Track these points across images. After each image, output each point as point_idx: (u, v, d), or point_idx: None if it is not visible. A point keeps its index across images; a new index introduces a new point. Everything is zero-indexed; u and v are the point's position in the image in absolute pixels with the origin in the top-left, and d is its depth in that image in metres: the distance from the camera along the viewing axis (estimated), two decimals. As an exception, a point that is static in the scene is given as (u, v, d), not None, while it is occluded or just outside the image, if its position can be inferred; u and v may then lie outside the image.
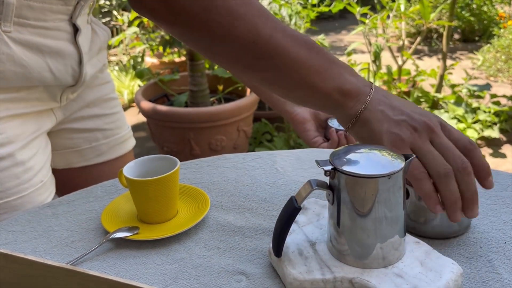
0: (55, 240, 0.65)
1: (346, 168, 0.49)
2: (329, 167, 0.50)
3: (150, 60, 3.56)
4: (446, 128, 0.57)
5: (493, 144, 2.68)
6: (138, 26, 3.18)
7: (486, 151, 2.61)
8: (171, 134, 2.32)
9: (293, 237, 0.57)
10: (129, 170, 0.65)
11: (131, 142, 1.04)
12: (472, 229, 0.61)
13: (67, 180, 0.94)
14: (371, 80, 2.71)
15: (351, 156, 0.51)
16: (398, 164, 0.49)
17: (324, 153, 0.87)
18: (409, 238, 0.55)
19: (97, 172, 0.96)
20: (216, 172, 0.81)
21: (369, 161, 0.50)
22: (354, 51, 4.18)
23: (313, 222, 0.60)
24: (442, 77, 2.92)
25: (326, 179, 0.53)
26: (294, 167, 0.81)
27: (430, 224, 0.59)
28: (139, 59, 3.61)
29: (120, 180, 0.69)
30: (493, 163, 2.48)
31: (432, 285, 0.48)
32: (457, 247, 0.58)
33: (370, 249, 0.51)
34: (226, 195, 0.74)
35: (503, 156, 2.59)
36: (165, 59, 3.52)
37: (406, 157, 0.51)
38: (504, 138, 2.70)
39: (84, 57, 0.83)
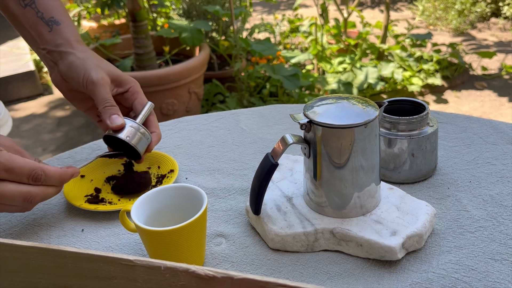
0: (15, 220, 0.60)
1: (322, 120, 0.48)
2: (304, 120, 0.49)
3: (87, 24, 3.35)
4: None
5: (436, 91, 2.79)
6: (70, -13, 2.95)
7: (430, 98, 2.72)
8: (119, 100, 2.21)
9: (269, 194, 0.56)
10: (138, 211, 0.49)
11: None
12: (438, 171, 0.63)
13: None
14: (319, 34, 2.70)
15: (325, 107, 0.50)
16: (372, 112, 0.49)
17: (286, 109, 0.86)
18: (383, 185, 0.56)
19: None
20: (179, 136, 0.78)
21: (343, 111, 0.50)
22: (299, 5, 4.14)
23: (287, 177, 0.60)
24: (386, 28, 2.96)
25: (298, 134, 0.52)
26: (259, 125, 0.80)
27: (399, 170, 0.61)
28: (75, 24, 3.39)
29: (124, 224, 0.53)
30: (437, 109, 2.59)
31: (410, 228, 0.49)
32: (426, 190, 0.60)
33: (348, 198, 0.51)
34: (193, 158, 0.72)
35: (446, 101, 2.71)
36: (104, 22, 3.33)
37: (379, 105, 0.51)
38: (446, 85, 2.81)
39: None
